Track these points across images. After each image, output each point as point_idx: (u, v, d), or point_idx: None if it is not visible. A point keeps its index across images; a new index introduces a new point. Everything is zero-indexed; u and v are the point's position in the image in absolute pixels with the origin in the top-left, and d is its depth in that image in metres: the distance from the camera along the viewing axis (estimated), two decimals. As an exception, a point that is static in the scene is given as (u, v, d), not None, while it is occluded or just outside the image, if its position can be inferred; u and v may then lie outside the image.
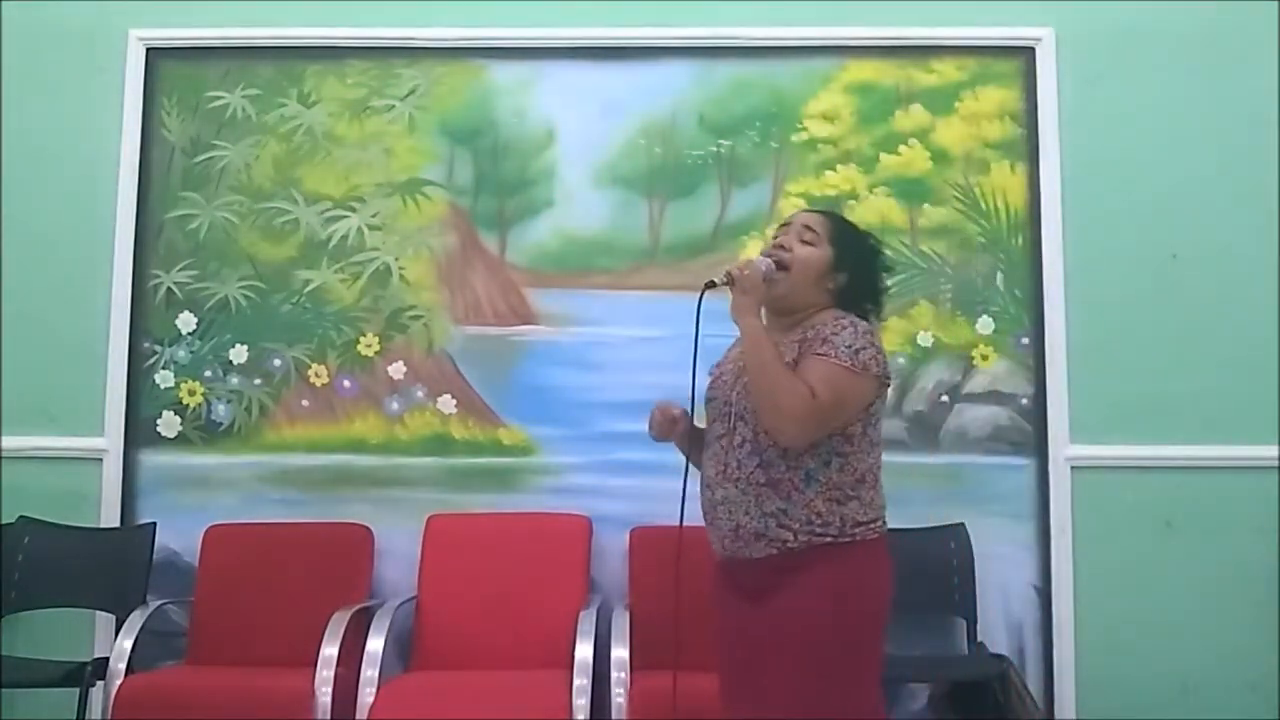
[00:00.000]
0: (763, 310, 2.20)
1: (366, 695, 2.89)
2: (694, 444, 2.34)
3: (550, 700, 2.87)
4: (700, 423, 2.33)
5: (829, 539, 2.10)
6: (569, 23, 3.62)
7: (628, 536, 3.40)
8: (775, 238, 2.30)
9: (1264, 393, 3.46)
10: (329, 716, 2.88)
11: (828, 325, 2.16)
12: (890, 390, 2.13)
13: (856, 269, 2.26)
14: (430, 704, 2.89)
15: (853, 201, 3.57)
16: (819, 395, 2.05)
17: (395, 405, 3.57)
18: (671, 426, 2.32)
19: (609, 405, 3.52)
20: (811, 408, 2.05)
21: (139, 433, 3.53)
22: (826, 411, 2.07)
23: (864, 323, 2.19)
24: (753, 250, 3.56)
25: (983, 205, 3.59)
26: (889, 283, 2.33)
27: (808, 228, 2.25)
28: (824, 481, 2.12)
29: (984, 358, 3.54)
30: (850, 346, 2.11)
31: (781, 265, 2.21)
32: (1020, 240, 3.57)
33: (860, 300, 2.27)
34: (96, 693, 3.05)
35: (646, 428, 2.33)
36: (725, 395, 2.23)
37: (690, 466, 2.33)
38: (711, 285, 2.20)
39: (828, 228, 2.27)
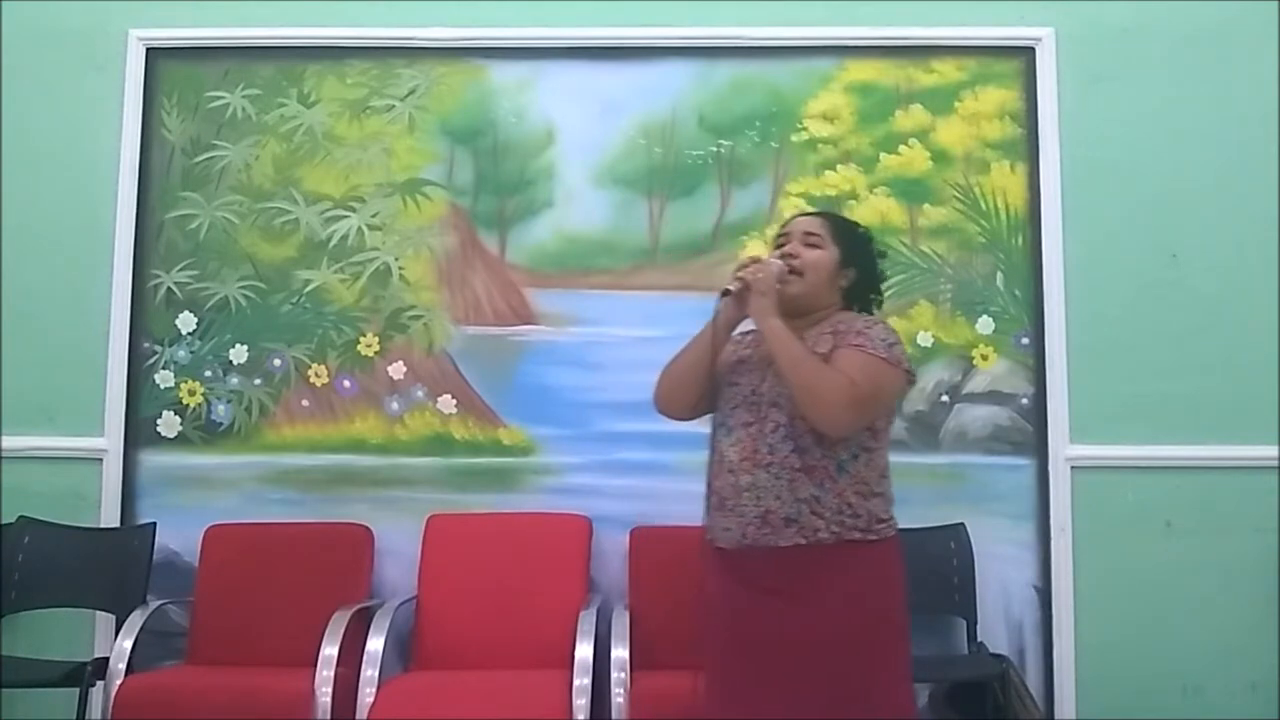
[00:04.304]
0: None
1: (366, 695, 2.89)
2: (710, 369, 2.25)
3: (550, 700, 2.87)
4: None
5: (857, 534, 2.14)
6: (569, 23, 3.62)
7: (628, 536, 3.40)
8: (779, 246, 2.32)
9: (1264, 393, 3.46)
10: (329, 716, 2.88)
11: (858, 322, 2.24)
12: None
13: (861, 263, 2.33)
14: (430, 704, 2.89)
15: (853, 201, 3.57)
16: (859, 383, 2.10)
17: (395, 405, 3.57)
18: (770, 292, 2.18)
19: (609, 405, 3.52)
20: (854, 394, 2.09)
21: (139, 433, 3.53)
22: (867, 399, 2.12)
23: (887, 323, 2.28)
24: (754, 250, 3.56)
25: (983, 205, 3.59)
26: (888, 279, 2.42)
27: (809, 232, 2.30)
28: (853, 474, 2.16)
29: (984, 358, 3.54)
30: (884, 340, 2.18)
31: (794, 270, 2.25)
32: (1020, 240, 3.57)
33: (867, 293, 2.35)
34: (96, 693, 3.05)
35: (735, 282, 2.20)
36: (753, 384, 2.23)
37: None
38: (727, 293, 2.21)
39: (829, 228, 2.32)
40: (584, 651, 2.94)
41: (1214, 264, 3.51)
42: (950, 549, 3.38)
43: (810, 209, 3.56)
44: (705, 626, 2.25)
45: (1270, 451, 3.43)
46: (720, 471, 2.21)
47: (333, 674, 2.91)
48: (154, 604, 3.27)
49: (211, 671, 3.15)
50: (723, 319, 2.26)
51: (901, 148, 3.61)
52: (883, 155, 3.61)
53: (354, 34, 3.64)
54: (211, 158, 3.66)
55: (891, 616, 2.18)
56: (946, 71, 3.64)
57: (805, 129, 3.62)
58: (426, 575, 3.38)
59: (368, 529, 3.45)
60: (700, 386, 2.28)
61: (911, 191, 3.60)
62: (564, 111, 3.65)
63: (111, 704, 2.90)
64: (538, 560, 3.36)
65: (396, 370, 3.58)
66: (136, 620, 3.13)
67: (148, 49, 3.64)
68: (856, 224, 2.41)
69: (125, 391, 3.53)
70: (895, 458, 3.42)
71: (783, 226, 2.39)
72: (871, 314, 2.34)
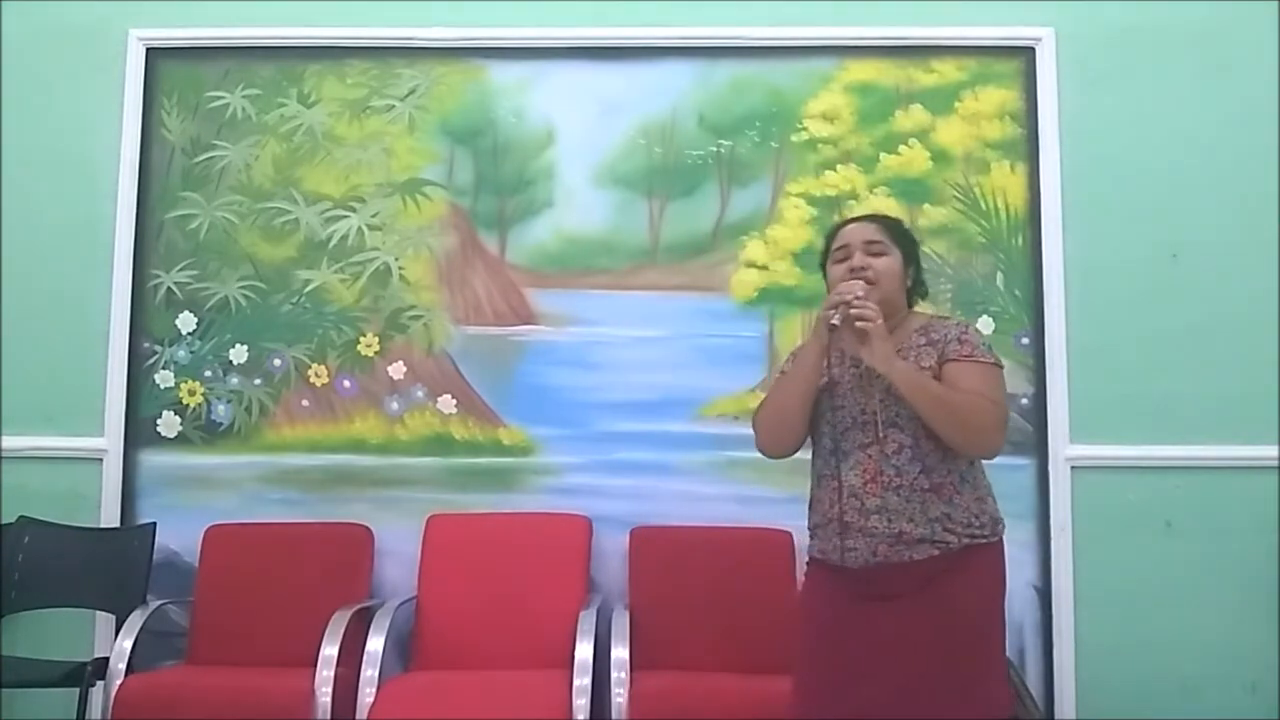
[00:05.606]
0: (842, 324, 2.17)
1: (366, 695, 2.89)
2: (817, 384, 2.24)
3: (550, 700, 2.87)
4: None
5: (984, 539, 2.19)
6: (569, 23, 3.62)
7: (628, 536, 3.40)
8: (840, 260, 2.29)
9: (1264, 393, 3.46)
10: (329, 716, 2.88)
11: (946, 327, 2.27)
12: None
13: (916, 259, 2.37)
14: (430, 704, 2.88)
15: (853, 201, 3.57)
16: (998, 401, 2.18)
17: (395, 405, 3.57)
18: (887, 336, 2.15)
19: (609, 405, 3.52)
20: (1000, 415, 2.17)
21: (139, 433, 3.53)
22: (1006, 412, 2.20)
23: None
24: (754, 249, 3.57)
25: (983, 205, 3.59)
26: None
27: (871, 240, 2.30)
28: (971, 482, 2.21)
29: (984, 358, 3.53)
30: (982, 342, 2.24)
31: (870, 281, 2.23)
32: (1020, 240, 3.57)
33: (918, 288, 2.38)
34: (96, 693, 3.05)
35: (835, 314, 2.16)
36: (860, 404, 2.22)
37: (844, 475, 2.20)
38: (834, 327, 2.16)
39: (886, 232, 2.33)
40: (584, 651, 2.93)
41: (1214, 264, 3.51)
42: (950, 549, 3.37)
43: (812, 208, 3.58)
44: (807, 636, 2.25)
45: (1270, 451, 3.42)
46: (838, 496, 2.19)
47: (333, 674, 2.90)
48: (154, 604, 3.27)
49: (211, 671, 3.14)
50: (825, 346, 2.19)
51: (901, 148, 3.61)
52: (883, 155, 3.61)
53: (354, 34, 3.64)
54: (211, 158, 3.66)
55: (999, 614, 2.24)
56: (946, 71, 3.63)
57: (805, 129, 3.62)
58: (426, 575, 3.38)
59: (368, 529, 3.45)
60: (808, 416, 2.27)
61: (911, 191, 3.60)
62: (564, 111, 3.64)
63: (111, 704, 2.90)
64: (538, 560, 3.36)
65: (396, 370, 3.58)
66: (136, 620, 3.13)
67: (148, 49, 3.64)
68: (900, 220, 2.42)
69: (125, 391, 3.53)
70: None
71: (835, 237, 2.36)
72: (917, 305, 2.37)
